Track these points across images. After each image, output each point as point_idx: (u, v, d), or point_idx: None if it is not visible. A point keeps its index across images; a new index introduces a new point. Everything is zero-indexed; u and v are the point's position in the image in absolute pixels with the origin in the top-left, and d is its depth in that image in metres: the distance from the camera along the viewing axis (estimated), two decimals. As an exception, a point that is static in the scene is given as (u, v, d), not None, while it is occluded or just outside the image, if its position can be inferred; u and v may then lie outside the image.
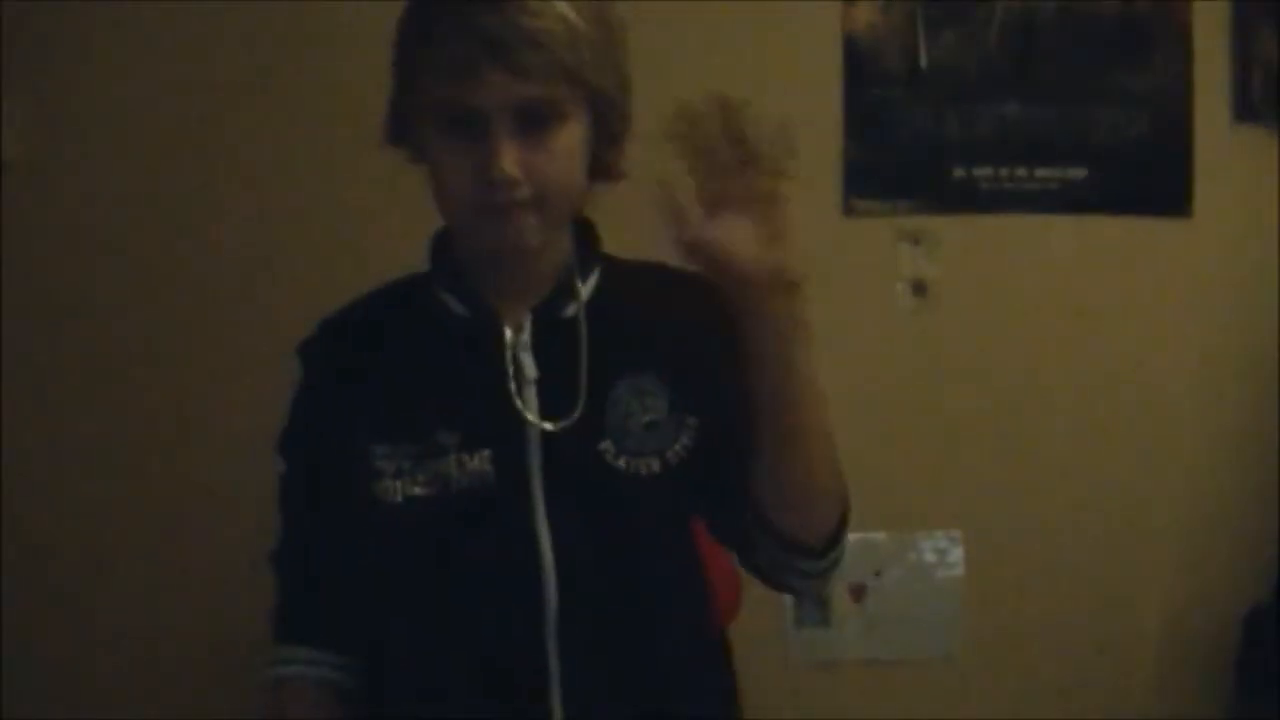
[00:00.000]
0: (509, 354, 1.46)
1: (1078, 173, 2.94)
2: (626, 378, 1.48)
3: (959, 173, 2.92)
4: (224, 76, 2.77)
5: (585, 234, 1.57)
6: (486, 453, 1.44)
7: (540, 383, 1.46)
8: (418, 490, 1.43)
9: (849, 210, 2.90)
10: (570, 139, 1.42)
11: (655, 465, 1.47)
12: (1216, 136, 2.97)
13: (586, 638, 1.45)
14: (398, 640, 1.50)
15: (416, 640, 1.49)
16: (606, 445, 1.46)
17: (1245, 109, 2.96)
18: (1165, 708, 3.01)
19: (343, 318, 1.61)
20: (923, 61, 2.90)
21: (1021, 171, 2.93)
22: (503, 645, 1.45)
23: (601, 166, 1.49)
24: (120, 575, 2.77)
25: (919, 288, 2.94)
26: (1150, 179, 2.97)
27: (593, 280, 1.54)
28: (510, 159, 1.37)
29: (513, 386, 1.45)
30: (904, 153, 2.90)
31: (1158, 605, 3.02)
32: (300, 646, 1.56)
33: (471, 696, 1.45)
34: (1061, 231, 2.95)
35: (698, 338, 1.50)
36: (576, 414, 1.44)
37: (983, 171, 2.93)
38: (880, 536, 2.94)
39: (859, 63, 2.89)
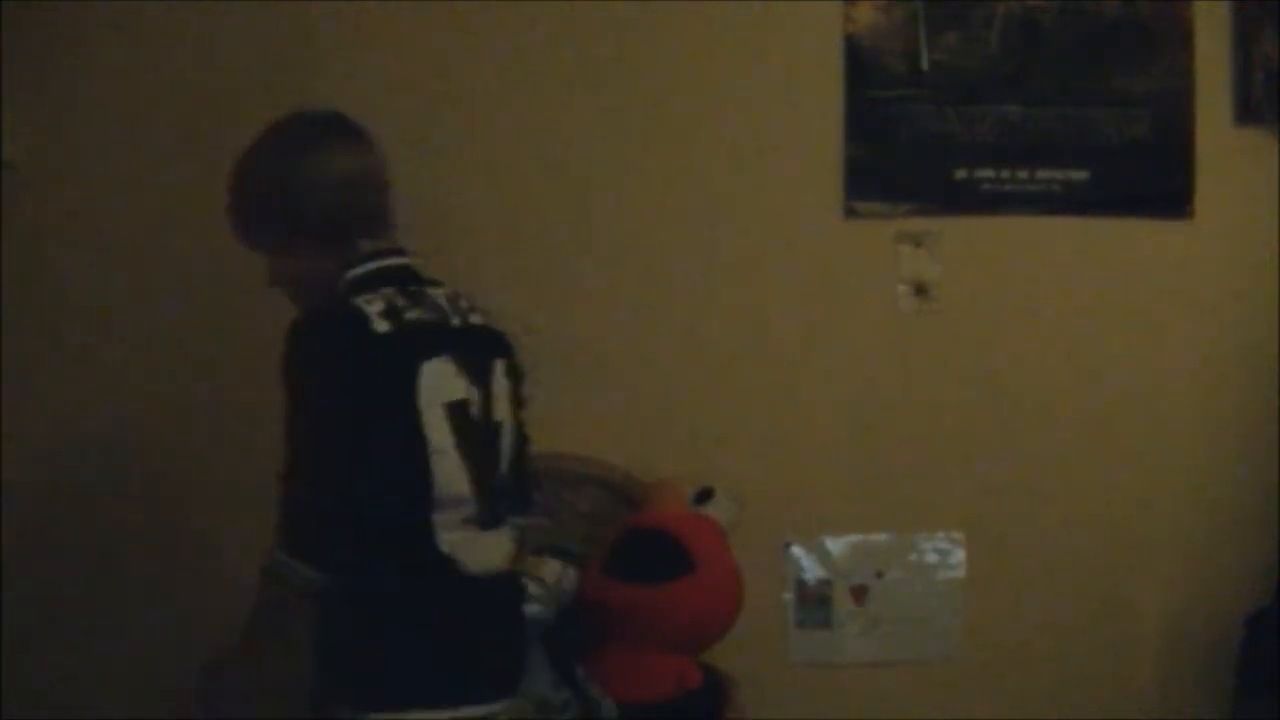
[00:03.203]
0: None
1: (1079, 174, 2.94)
2: None
3: (960, 174, 2.92)
4: (223, 77, 2.77)
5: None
6: None
7: None
8: None
9: (850, 212, 2.90)
10: (280, 263, 2.02)
11: None
12: (1218, 138, 2.97)
13: None
14: None
15: None
16: None
17: (1246, 110, 2.97)
18: (1165, 708, 3.01)
19: None
20: (924, 63, 2.89)
21: (1023, 173, 2.93)
22: None
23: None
24: (121, 574, 2.77)
25: (920, 289, 2.94)
26: (1151, 180, 2.97)
27: None
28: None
29: None
30: (905, 154, 2.90)
31: (1158, 606, 3.02)
32: None
33: None
34: (1063, 233, 2.96)
35: None
36: None
37: (984, 173, 2.93)
38: (882, 537, 2.94)
39: (860, 64, 2.89)
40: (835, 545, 2.93)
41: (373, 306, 1.88)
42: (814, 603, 2.93)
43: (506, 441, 2.04)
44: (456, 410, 1.90)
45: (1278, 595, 2.95)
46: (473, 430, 1.93)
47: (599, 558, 2.61)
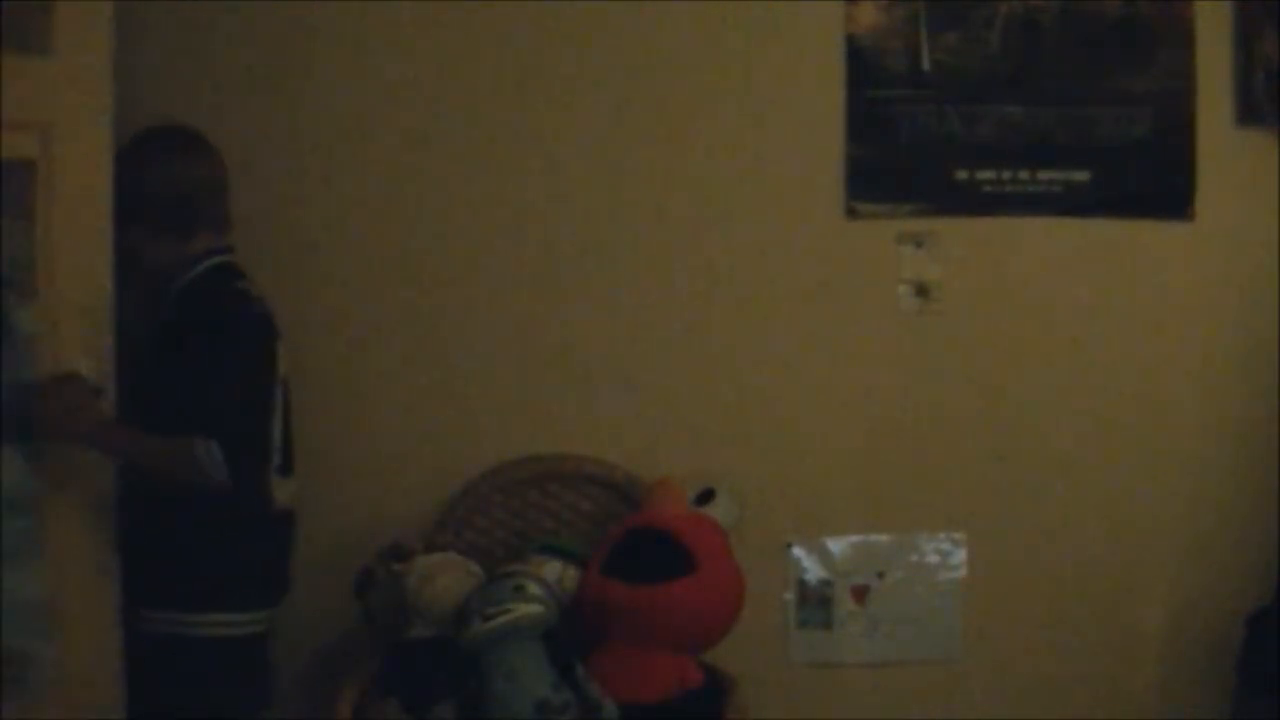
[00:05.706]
0: None
1: (1080, 175, 2.94)
2: None
3: (961, 175, 2.92)
4: (224, 76, 2.77)
5: None
6: None
7: None
8: None
9: (850, 212, 2.90)
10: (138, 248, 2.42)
11: None
12: (1218, 138, 2.97)
13: None
14: None
15: None
16: None
17: (1247, 111, 2.97)
18: (1166, 708, 3.01)
19: None
20: (925, 63, 2.89)
21: (1024, 173, 2.93)
22: None
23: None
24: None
25: (921, 290, 2.94)
26: (1152, 181, 2.97)
27: None
28: None
29: None
30: (906, 154, 2.90)
31: (1159, 605, 3.02)
32: None
33: None
34: (1063, 233, 2.96)
35: None
36: None
37: (985, 174, 2.92)
38: (883, 538, 2.94)
39: (861, 64, 2.88)
40: (836, 546, 2.93)
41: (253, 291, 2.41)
42: (815, 603, 2.93)
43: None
44: (284, 382, 2.47)
45: (1278, 595, 2.95)
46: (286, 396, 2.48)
47: (599, 558, 2.61)
